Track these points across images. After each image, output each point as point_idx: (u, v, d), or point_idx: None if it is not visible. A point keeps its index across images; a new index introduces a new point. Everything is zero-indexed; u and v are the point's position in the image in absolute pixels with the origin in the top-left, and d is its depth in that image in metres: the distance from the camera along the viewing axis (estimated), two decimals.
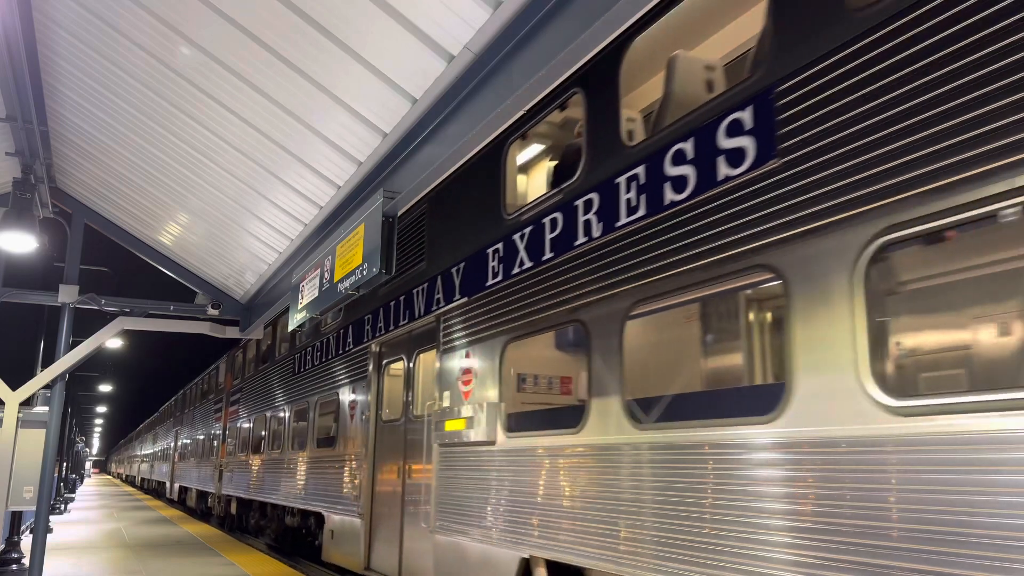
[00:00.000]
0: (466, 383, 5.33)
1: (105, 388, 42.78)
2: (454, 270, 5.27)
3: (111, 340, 11.40)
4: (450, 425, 5.38)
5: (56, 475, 22.80)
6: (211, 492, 19.53)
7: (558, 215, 4.17)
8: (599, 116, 3.85)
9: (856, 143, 2.69)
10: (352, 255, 5.97)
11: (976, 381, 2.82)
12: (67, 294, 10.11)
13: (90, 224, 10.46)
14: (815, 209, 2.84)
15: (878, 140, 2.63)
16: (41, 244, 8.74)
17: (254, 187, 7.61)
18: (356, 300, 7.28)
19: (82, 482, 67.69)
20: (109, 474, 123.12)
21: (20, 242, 8.49)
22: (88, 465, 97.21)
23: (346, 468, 8.15)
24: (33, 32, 6.37)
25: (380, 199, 5.53)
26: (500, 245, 4.66)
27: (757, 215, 3.07)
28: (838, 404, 2.70)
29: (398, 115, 5.29)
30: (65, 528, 20.46)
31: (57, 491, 26.59)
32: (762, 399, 3.09)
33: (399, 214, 5.53)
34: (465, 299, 5.17)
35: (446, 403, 5.46)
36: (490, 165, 4.46)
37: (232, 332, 11.05)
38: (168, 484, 30.56)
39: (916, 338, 3.02)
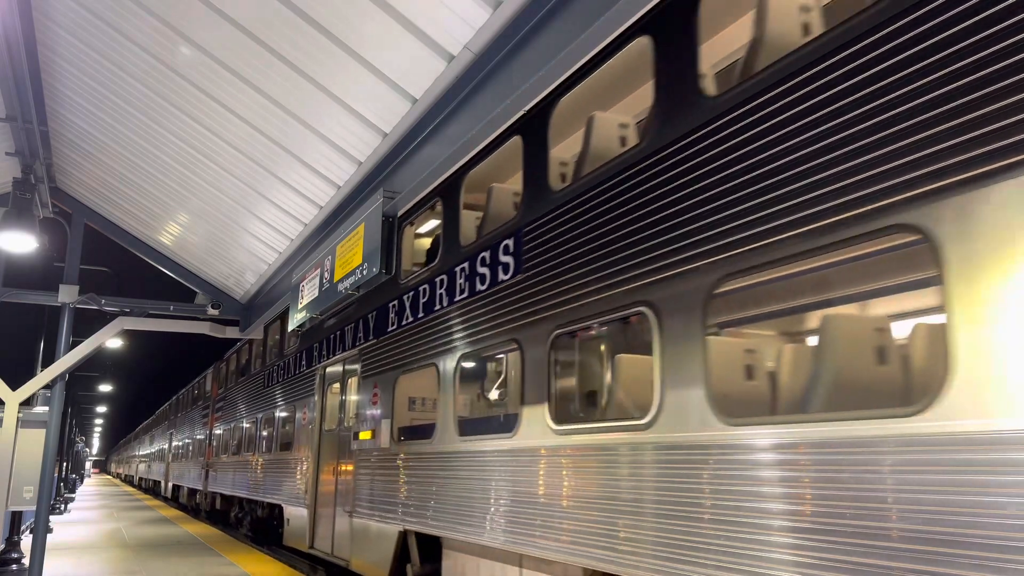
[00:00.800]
0: (374, 403, 6.93)
1: (105, 388, 42.79)
2: (370, 315, 6.76)
3: (111, 340, 11.41)
4: (362, 435, 7.13)
5: (56, 475, 22.80)
6: (199, 489, 22.16)
7: (426, 286, 5.67)
8: (448, 226, 5.35)
9: (560, 269, 4.21)
10: (352, 255, 5.97)
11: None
12: (67, 294, 10.12)
13: (90, 224, 10.47)
14: (538, 308, 4.43)
15: (571, 267, 4.14)
16: (41, 244, 8.75)
17: (254, 187, 7.61)
18: (309, 330, 8.92)
19: (82, 482, 67.76)
20: (109, 474, 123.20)
21: (20, 242, 8.50)
22: (88, 465, 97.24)
23: (298, 468, 10.11)
24: (33, 32, 6.38)
25: (380, 199, 5.54)
26: (396, 302, 6.16)
27: (512, 307, 4.65)
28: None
29: (398, 115, 5.30)
30: (65, 528, 20.48)
31: (57, 491, 26.60)
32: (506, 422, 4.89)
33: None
34: (375, 339, 6.74)
35: (361, 418, 7.13)
36: (391, 239, 5.51)
37: (232, 332, 11.06)
38: (163, 483, 33.69)
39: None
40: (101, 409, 61.65)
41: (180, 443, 28.96)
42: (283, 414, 11.29)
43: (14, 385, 9.55)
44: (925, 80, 2.48)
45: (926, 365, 3.27)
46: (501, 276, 4.71)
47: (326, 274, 6.71)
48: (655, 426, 3.57)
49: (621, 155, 3.80)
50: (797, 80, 2.91)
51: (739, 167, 3.13)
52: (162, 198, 9.29)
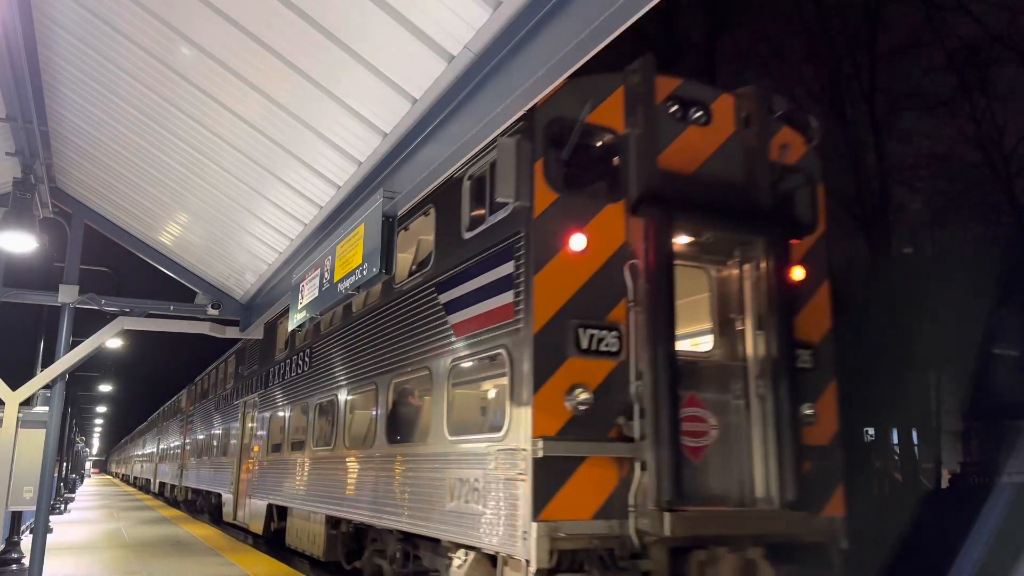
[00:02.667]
0: (261, 429, 12.71)
1: (105, 388, 42.62)
2: (264, 373, 11.97)
3: (111, 340, 11.40)
4: (255, 448, 13.72)
5: (56, 475, 22.76)
6: (176, 484, 29.78)
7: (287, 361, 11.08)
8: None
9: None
10: (352, 255, 5.96)
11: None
12: (67, 294, 10.10)
13: (90, 224, 10.47)
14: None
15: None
16: (41, 244, 8.74)
17: (254, 187, 7.61)
18: (240, 369, 15.39)
19: (82, 482, 67.65)
20: (109, 474, 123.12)
21: (20, 242, 8.49)
22: (88, 465, 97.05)
23: (230, 467, 16.83)
24: (33, 32, 6.38)
25: (380, 199, 5.52)
26: (275, 368, 11.15)
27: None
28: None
29: (398, 115, 5.29)
30: (65, 528, 20.44)
31: (57, 491, 26.59)
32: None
33: None
34: (262, 390, 10.95)
35: (255, 438, 12.94)
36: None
37: (232, 332, 11.05)
38: (152, 480, 40.86)
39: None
40: (101, 409, 61.50)
41: (164, 447, 35.55)
42: (224, 430, 19.01)
43: (14, 385, 9.52)
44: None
45: (497, 412, 6.62)
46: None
47: (326, 274, 6.70)
48: (427, 441, 7.43)
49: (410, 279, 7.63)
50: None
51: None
52: (162, 198, 9.29)
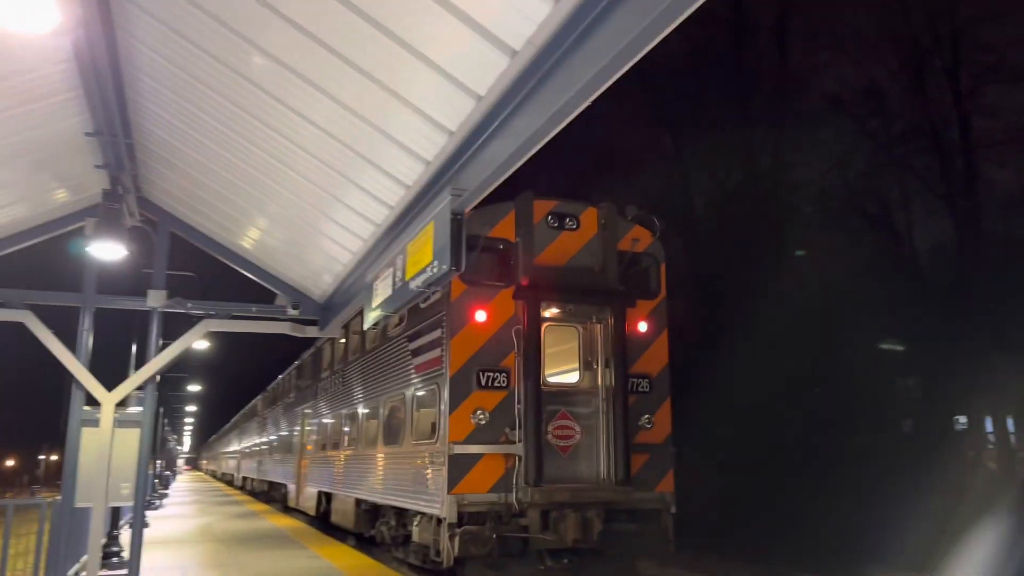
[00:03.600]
0: (309, 435, 20.91)
1: (194, 388, 44.41)
2: (314, 387, 19.74)
3: (197, 342, 11.85)
4: (308, 447, 20.29)
5: (150, 472, 23.77)
6: (254, 478, 36.74)
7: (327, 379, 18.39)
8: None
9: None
10: (422, 253, 6.04)
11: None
12: (155, 299, 10.54)
13: (175, 231, 10.89)
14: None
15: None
16: (130, 252, 9.15)
17: (328, 190, 7.77)
18: (299, 382, 21.91)
19: (175, 479, 70.46)
20: (200, 470, 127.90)
21: (110, 250, 8.91)
22: (180, 462, 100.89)
23: (293, 463, 22.10)
24: (116, 49, 6.65)
25: (448, 197, 5.58)
26: (320, 384, 18.85)
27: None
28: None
29: (463, 113, 5.33)
30: (160, 523, 21.35)
31: (152, 487, 27.73)
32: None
33: None
34: (313, 401, 19.40)
35: (306, 440, 20.65)
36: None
37: (311, 331, 11.32)
38: (235, 475, 48.89)
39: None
40: (191, 408, 64.05)
41: (244, 445, 42.67)
42: (286, 432, 25.55)
43: (109, 387, 9.97)
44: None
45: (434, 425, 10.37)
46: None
47: (398, 272, 6.81)
48: (402, 444, 11.79)
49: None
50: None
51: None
52: (242, 204, 9.57)
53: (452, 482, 10.21)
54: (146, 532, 11.94)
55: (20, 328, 9.78)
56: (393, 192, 6.88)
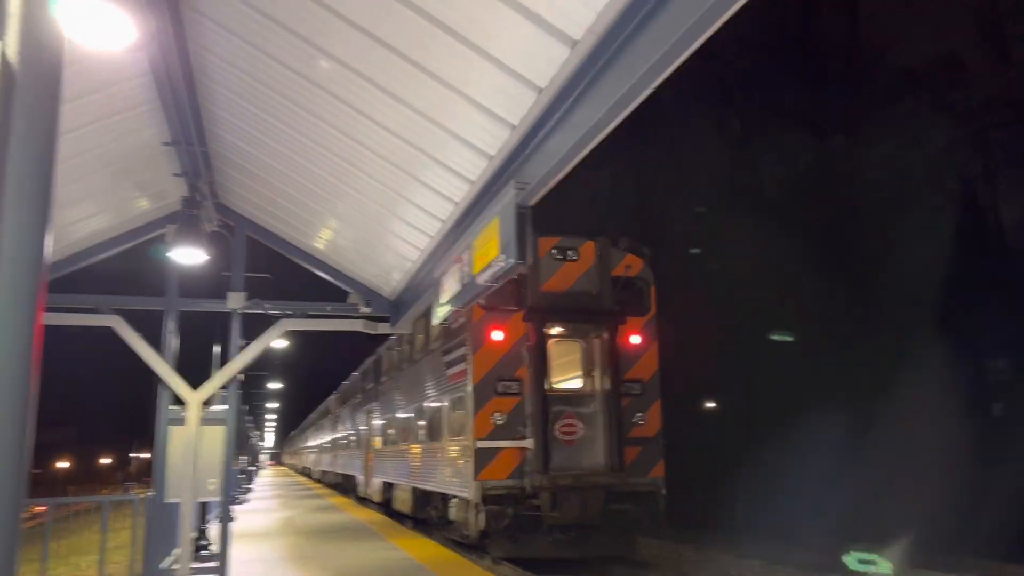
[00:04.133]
0: (373, 434, 25.65)
1: (274, 385, 45.62)
2: (375, 390, 25.42)
3: (276, 340, 12.18)
4: (373, 443, 24.87)
5: (234, 468, 24.57)
6: (329, 471, 43.37)
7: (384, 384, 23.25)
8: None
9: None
10: (488, 247, 6.06)
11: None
12: (235, 301, 10.88)
13: (251, 235, 11.22)
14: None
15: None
16: (209, 256, 9.46)
17: (395, 189, 7.87)
18: (363, 383, 27.63)
19: (258, 474, 72.66)
20: (282, 465, 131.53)
21: (191, 255, 9.23)
22: (263, 458, 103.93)
23: (361, 457, 27.28)
24: (189, 61, 6.87)
25: (512, 191, 5.57)
26: (379, 387, 24.47)
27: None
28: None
29: (525, 106, 5.31)
30: (245, 517, 22.07)
31: (236, 483, 28.66)
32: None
33: None
34: (374, 402, 25.51)
35: (375, 436, 25.18)
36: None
37: (383, 328, 11.52)
38: (313, 469, 55.65)
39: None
40: (272, 405, 65.88)
41: (320, 441, 48.61)
42: (354, 429, 29.90)
43: (194, 386, 10.35)
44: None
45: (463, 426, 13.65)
46: None
47: (466, 268, 6.85)
48: (441, 441, 15.36)
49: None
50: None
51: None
52: (313, 206, 9.79)
53: (477, 470, 13.53)
54: (232, 526, 12.35)
55: (108, 332, 10.22)
56: (458, 188, 6.93)
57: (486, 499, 13.34)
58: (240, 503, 27.73)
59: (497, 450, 13.61)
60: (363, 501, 27.56)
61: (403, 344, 20.70)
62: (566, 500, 13.14)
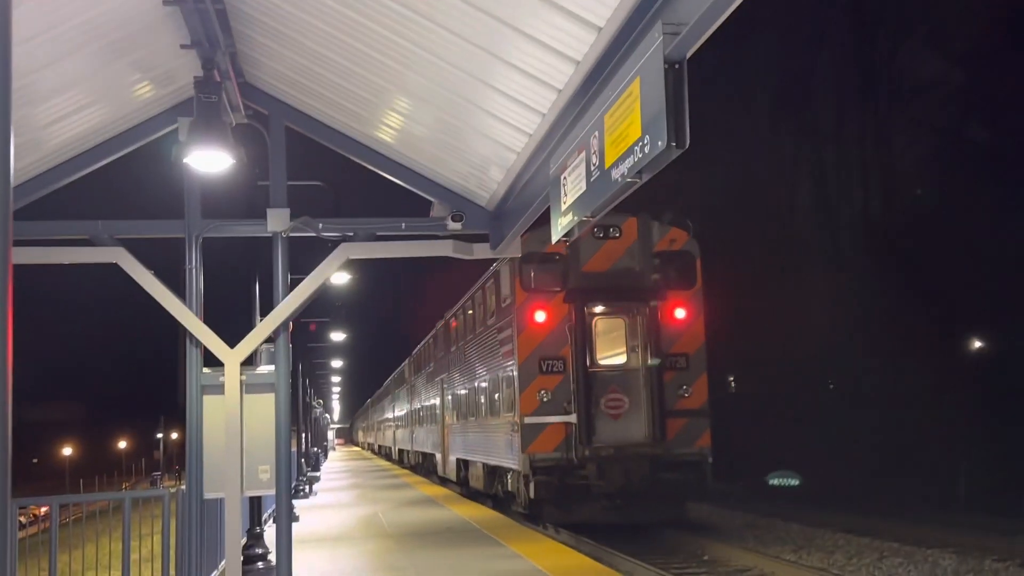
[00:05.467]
0: (444, 411, 35.60)
1: (337, 336, 47.04)
2: (447, 359, 34.27)
3: (336, 274, 12.49)
4: (447, 419, 34.22)
5: (294, 450, 25.73)
6: (408, 449, 51.83)
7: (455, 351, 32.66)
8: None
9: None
10: (626, 126, 5.94)
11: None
12: (277, 220, 11.19)
13: (291, 126, 11.43)
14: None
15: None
16: (238, 159, 9.64)
17: (487, 47, 7.78)
18: (436, 352, 38.60)
19: (326, 457, 76.06)
20: (356, 444, 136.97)
21: (212, 159, 9.46)
22: (330, 435, 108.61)
23: (437, 433, 36.73)
24: None
25: (659, 37, 5.41)
26: (451, 357, 33.37)
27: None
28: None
29: None
30: (312, 515, 23.23)
31: (298, 470, 30.11)
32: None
33: None
34: (446, 373, 34.33)
35: (447, 409, 34.66)
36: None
37: (481, 250, 11.64)
38: (392, 448, 65.03)
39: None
40: (337, 363, 68.37)
41: (397, 415, 59.21)
42: (430, 403, 39.54)
43: (232, 341, 10.75)
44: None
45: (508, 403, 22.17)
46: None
47: (594, 158, 6.77)
48: (480, 419, 26.33)
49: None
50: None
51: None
52: (376, 80, 9.84)
53: (525, 444, 20.14)
54: (295, 528, 13.00)
55: (114, 271, 10.73)
56: (577, 39, 6.78)
57: (535, 470, 20.02)
58: (305, 496, 29.15)
59: (543, 425, 20.17)
60: (445, 483, 35.57)
61: (473, 305, 27.72)
62: (610, 470, 19.81)
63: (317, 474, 41.16)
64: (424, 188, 11.64)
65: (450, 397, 33.28)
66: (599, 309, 20.77)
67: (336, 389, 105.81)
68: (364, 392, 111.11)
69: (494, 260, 20.63)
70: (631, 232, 21.01)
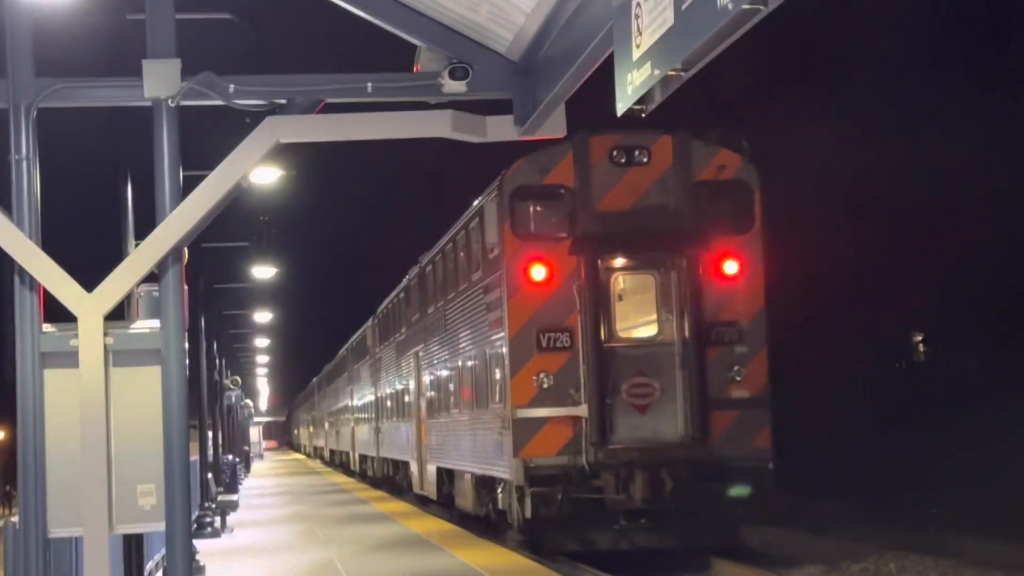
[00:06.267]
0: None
1: (264, 274, 45.74)
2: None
3: (260, 169, 12.39)
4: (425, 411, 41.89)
5: (196, 459, 25.72)
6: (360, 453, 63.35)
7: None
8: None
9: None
10: None
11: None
12: (160, 79, 11.08)
13: None
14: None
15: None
16: None
17: None
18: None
19: (248, 470, 76.34)
20: (297, 448, 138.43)
21: None
22: (255, 435, 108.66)
23: (406, 431, 44.93)
24: None
25: None
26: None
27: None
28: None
29: None
30: (227, 566, 23.31)
31: (203, 491, 30.18)
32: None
33: None
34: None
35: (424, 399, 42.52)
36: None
37: (499, 130, 11.48)
38: (351, 454, 68.77)
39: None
40: (264, 318, 66.94)
41: (347, 404, 67.97)
42: (398, 392, 47.57)
43: (90, 283, 10.73)
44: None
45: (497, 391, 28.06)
46: None
47: None
48: (465, 411, 32.02)
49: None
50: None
51: None
52: None
53: (518, 445, 22.43)
54: None
55: None
56: None
57: (532, 480, 22.39)
58: (214, 535, 29.18)
59: (543, 420, 22.94)
60: (425, 503, 38.61)
61: (455, 251, 30.53)
62: (634, 480, 21.85)
63: (234, 498, 40.95)
64: (405, 24, 11.44)
65: (428, 380, 36.82)
66: (619, 262, 23.60)
67: (264, 362, 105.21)
68: (311, 369, 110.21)
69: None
70: (664, 156, 23.48)
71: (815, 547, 25.61)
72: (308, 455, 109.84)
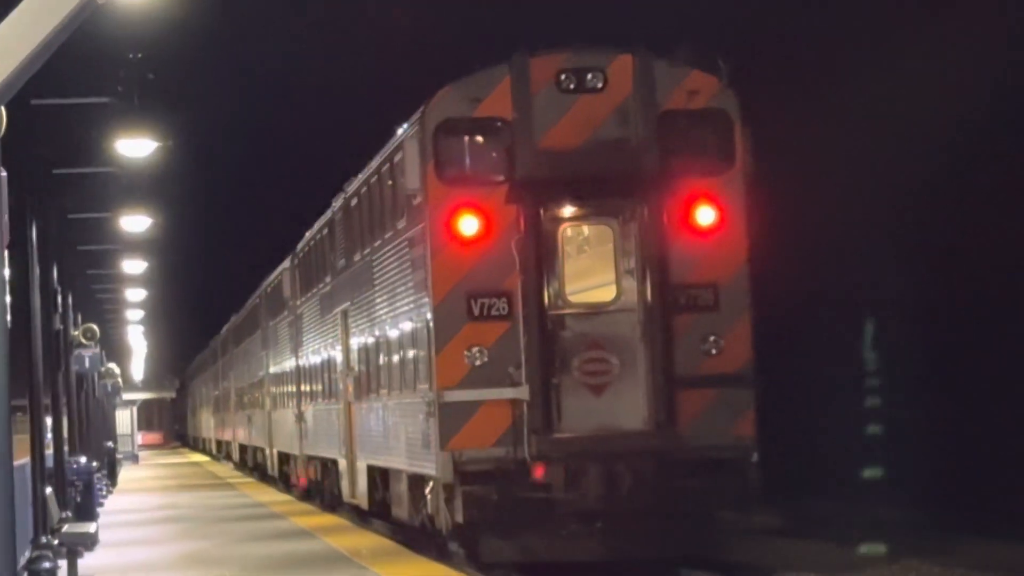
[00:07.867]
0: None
1: (137, 152, 36.33)
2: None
3: None
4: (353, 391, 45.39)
5: (24, 462, 21.50)
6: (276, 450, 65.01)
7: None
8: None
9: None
10: None
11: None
12: None
13: None
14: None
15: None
16: None
17: None
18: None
19: (114, 481, 71.47)
20: (190, 444, 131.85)
21: None
22: (125, 420, 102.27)
23: (332, 418, 46.76)
24: None
25: None
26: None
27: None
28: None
29: None
30: None
31: (38, 521, 25.53)
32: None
33: None
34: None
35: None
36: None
37: None
38: (268, 450, 64.25)
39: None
40: (142, 226, 47.36)
41: (260, 375, 67.40)
42: (321, 364, 48.30)
43: None
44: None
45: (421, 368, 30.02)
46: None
47: None
48: (394, 393, 33.97)
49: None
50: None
51: None
52: None
53: (445, 435, 21.75)
54: None
55: None
56: None
57: (463, 477, 20.48)
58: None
59: (475, 404, 21.21)
60: (365, 517, 36.03)
61: (380, 191, 29.65)
62: (586, 476, 19.95)
63: (90, 528, 33.86)
64: None
65: (357, 349, 34.43)
66: (568, 211, 22.09)
67: (140, 301, 78.92)
68: (216, 319, 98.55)
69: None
70: (622, 79, 22.81)
71: (814, 550, 24.78)
72: (212, 455, 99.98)
